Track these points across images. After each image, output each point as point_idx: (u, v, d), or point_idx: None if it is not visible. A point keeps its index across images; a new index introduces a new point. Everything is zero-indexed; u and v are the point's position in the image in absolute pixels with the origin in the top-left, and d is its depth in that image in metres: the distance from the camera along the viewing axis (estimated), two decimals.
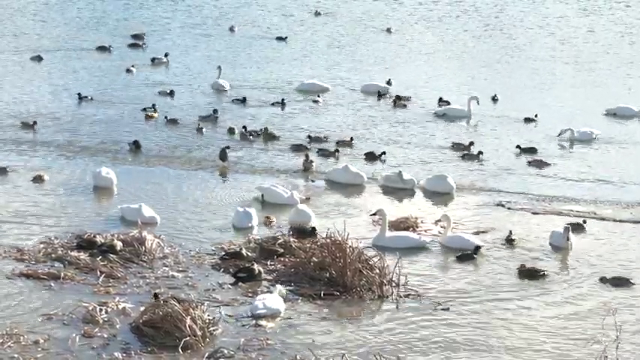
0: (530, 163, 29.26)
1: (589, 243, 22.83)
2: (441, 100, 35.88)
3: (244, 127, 31.12)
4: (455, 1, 60.35)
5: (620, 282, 20.25)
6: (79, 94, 34.53)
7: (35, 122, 30.69)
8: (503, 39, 50.64)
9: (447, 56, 45.38)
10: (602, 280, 20.29)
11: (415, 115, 34.58)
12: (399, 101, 35.82)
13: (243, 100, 35.06)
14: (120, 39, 45.56)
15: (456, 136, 31.90)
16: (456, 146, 30.45)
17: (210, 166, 27.97)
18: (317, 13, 53.76)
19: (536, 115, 34.27)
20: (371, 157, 29.06)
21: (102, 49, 43.09)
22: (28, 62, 40.44)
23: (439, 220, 22.81)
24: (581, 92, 39.95)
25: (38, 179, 25.71)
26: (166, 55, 42.43)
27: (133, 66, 39.84)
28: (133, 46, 44.71)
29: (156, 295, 17.92)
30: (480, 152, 29.69)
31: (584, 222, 23.88)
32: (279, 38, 46.49)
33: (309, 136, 30.73)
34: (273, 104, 35.15)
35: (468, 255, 21.45)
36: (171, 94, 35.61)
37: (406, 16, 56.46)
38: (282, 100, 35.32)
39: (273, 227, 22.95)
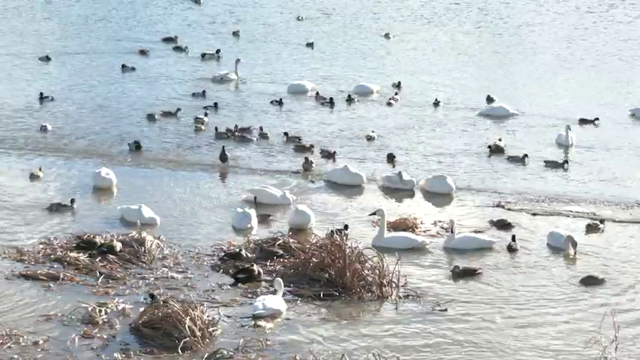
0: (547, 164, 29.17)
1: (590, 243, 22.81)
2: (436, 101, 35.83)
3: (216, 127, 31.10)
4: (453, 2, 60.15)
5: (594, 281, 20.21)
6: (40, 93, 34.46)
7: (45, 126, 30.69)
8: (506, 38, 50.47)
9: (449, 58, 45.02)
10: (582, 280, 20.24)
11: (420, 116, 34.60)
12: (389, 100, 35.91)
13: (280, 102, 34.97)
14: (145, 43, 45.24)
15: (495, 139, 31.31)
16: (512, 159, 29.71)
17: (210, 166, 27.98)
18: (299, 18, 52.81)
19: (596, 119, 34.17)
20: (391, 158, 28.89)
21: (142, 52, 42.67)
22: (36, 62, 40.41)
23: (451, 230, 22.26)
24: (595, 92, 39.66)
25: (34, 177, 25.88)
26: (218, 51, 42.90)
27: (125, 64, 39.74)
28: (176, 49, 44.15)
29: (152, 296, 17.95)
30: (526, 155, 29.37)
31: (602, 222, 23.89)
32: (308, 44, 45.85)
33: (286, 134, 30.74)
34: (323, 104, 35.27)
35: (511, 247, 21.91)
36: (204, 94, 35.61)
37: (392, 15, 55.82)
38: (331, 99, 35.59)
39: (271, 224, 22.97)
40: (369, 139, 31.13)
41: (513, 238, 22.38)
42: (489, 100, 36.55)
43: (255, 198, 24.67)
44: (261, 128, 31.26)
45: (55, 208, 23.40)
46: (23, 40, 45.00)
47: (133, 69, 39.51)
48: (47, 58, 40.67)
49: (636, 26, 54.19)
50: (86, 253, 20.24)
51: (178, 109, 33.10)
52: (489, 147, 30.30)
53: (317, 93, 36.39)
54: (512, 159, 29.45)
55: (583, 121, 34.03)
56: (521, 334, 17.77)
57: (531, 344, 17.38)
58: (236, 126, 31.23)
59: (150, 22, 51.35)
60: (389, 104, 35.72)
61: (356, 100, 36.04)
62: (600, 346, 15.42)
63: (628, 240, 23.30)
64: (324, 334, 17.39)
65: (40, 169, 26.27)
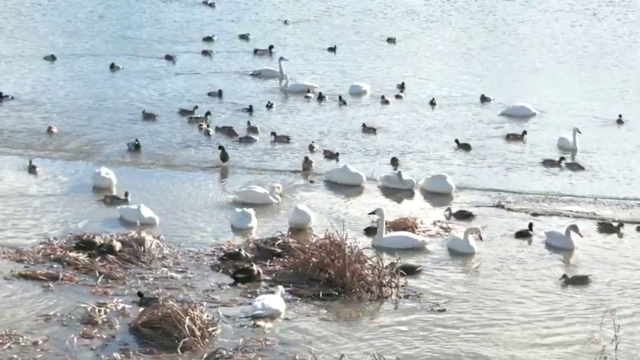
0: (568, 165, 29.07)
1: (591, 243, 22.83)
2: (433, 100, 35.81)
3: (200, 124, 31.28)
4: (453, 2, 59.98)
5: (579, 280, 20.21)
6: (0, 92, 34.35)
7: (51, 127, 30.57)
8: (509, 37, 50.25)
9: (452, 59, 44.73)
10: (565, 279, 20.24)
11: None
12: (383, 99, 35.94)
13: (270, 106, 34.87)
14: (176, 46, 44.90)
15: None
16: (547, 162, 29.40)
17: (210, 166, 27.97)
18: (286, 22, 52.21)
19: (620, 116, 34.22)
20: (395, 162, 28.62)
21: (168, 57, 41.60)
22: (42, 62, 40.29)
23: (479, 237, 22.07)
24: (607, 92, 39.51)
25: (32, 169, 26.30)
26: (271, 47, 43.22)
27: (114, 64, 39.66)
28: (204, 53, 43.05)
29: (140, 294, 18.03)
30: (562, 158, 29.21)
31: (622, 225, 23.72)
32: (330, 49, 45.20)
33: (274, 134, 30.71)
34: (339, 105, 35.27)
35: (525, 232, 22.61)
36: (220, 94, 35.65)
37: (387, 15, 55.39)
38: (340, 97, 35.76)
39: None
40: (371, 130, 31.47)
41: (530, 226, 22.86)
42: (483, 99, 36.52)
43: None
44: (248, 123, 31.50)
45: (110, 201, 23.90)
46: (28, 39, 44.73)
47: (122, 68, 39.33)
48: (52, 57, 40.60)
49: (636, 25, 54.23)
50: (86, 253, 20.24)
51: (196, 107, 33.10)
52: (456, 141, 30.62)
53: (308, 90, 36.46)
54: (547, 162, 29.23)
55: (620, 122, 34.06)
56: (519, 334, 17.78)
57: (530, 344, 17.39)
58: (199, 126, 31.30)
59: (155, 21, 50.74)
60: (386, 102, 35.69)
61: (327, 98, 35.87)
62: (599, 346, 15.44)
63: (628, 240, 23.31)
64: (323, 334, 17.40)
65: (37, 164, 26.75)
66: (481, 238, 21.95)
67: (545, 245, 22.48)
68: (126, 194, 24.26)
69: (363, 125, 32.17)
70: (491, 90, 37.69)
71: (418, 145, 31.01)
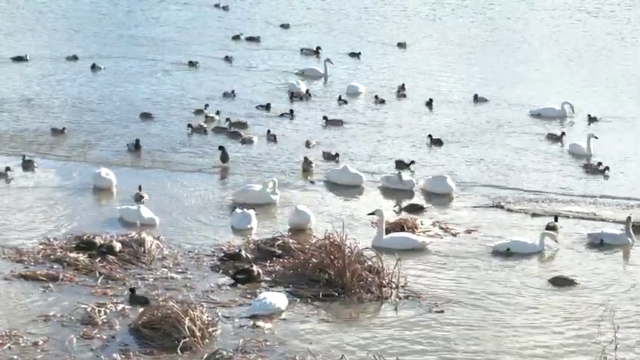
0: (586, 170, 28.96)
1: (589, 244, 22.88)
2: (429, 100, 35.77)
3: (189, 124, 31.26)
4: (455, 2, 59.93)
5: (564, 282, 20.17)
6: None
7: (64, 128, 30.49)
8: (513, 37, 50.26)
9: (457, 59, 44.54)
10: (551, 281, 20.21)
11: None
12: (377, 99, 35.92)
13: (267, 107, 34.52)
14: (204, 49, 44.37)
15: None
16: (588, 167, 29.02)
17: (210, 167, 27.97)
18: (283, 26, 51.61)
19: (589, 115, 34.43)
20: (400, 165, 28.43)
21: (191, 63, 40.70)
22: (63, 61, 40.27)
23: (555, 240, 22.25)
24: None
25: (29, 166, 26.56)
26: (318, 48, 43.18)
27: (95, 64, 39.56)
28: (226, 59, 42.13)
29: (132, 290, 18.11)
30: (607, 167, 28.57)
31: None
32: (353, 54, 44.64)
33: (269, 131, 30.73)
34: (339, 103, 35.28)
35: (552, 226, 23.00)
36: (233, 93, 35.62)
37: (384, 16, 55.31)
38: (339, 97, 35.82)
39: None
40: (338, 123, 32.06)
41: (556, 218, 23.37)
42: (476, 99, 36.48)
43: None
44: (228, 120, 31.63)
45: (139, 198, 24.21)
46: (49, 40, 44.69)
47: (104, 68, 39.18)
48: (74, 58, 40.58)
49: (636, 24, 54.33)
50: (86, 254, 20.25)
51: (206, 105, 33.12)
52: (429, 136, 30.83)
53: (307, 91, 36.40)
54: (594, 171, 28.72)
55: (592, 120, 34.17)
56: (519, 335, 17.78)
57: (530, 344, 17.40)
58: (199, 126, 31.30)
59: (168, 24, 50.32)
60: (382, 102, 35.65)
61: (308, 97, 35.97)
62: (599, 346, 15.45)
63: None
64: (323, 334, 17.41)
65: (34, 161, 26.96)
66: (556, 241, 22.12)
67: (594, 245, 22.53)
68: (139, 188, 24.48)
69: (325, 118, 32.51)
70: (502, 91, 37.75)
71: (416, 144, 31.01)
